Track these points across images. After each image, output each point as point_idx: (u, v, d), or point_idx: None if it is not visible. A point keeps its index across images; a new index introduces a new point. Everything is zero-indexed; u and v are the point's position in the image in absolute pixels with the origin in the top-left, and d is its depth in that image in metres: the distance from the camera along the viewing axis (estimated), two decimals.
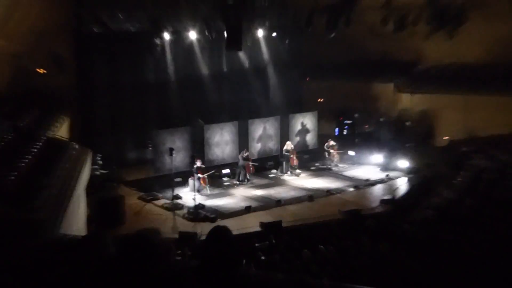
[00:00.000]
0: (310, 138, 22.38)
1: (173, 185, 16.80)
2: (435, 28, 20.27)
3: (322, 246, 10.93)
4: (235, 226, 14.02)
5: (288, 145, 20.29)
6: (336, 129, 24.25)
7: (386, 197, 16.88)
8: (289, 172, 20.06)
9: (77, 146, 16.26)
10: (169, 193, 16.94)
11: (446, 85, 23.91)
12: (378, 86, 25.38)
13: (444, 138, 23.09)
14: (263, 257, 10.63)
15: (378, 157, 21.11)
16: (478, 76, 23.65)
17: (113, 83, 20.41)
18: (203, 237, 12.35)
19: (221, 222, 14.62)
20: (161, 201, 16.97)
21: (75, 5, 18.25)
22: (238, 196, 17.59)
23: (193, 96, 22.03)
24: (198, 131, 19.53)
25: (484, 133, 21.85)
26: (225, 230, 2.97)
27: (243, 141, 20.33)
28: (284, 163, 20.16)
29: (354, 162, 21.47)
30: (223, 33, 19.88)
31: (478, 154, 19.55)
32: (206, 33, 19.90)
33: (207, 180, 17.77)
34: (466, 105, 22.77)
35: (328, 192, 17.68)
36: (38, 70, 18.56)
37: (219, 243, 2.88)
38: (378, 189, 18.20)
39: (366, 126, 23.34)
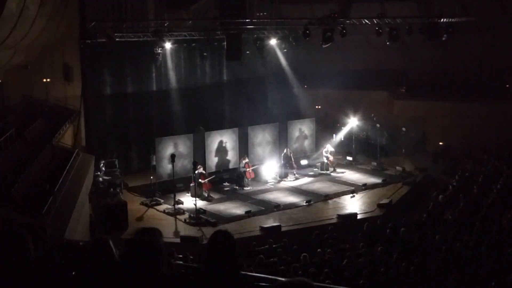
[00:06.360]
0: (308, 144, 22.77)
1: (175, 191, 17.22)
2: (427, 38, 20.77)
3: (319, 250, 11.29)
4: (236, 230, 14.42)
5: (287, 151, 20.70)
6: (334, 135, 24.70)
7: (382, 201, 17.28)
8: (288, 177, 20.48)
9: (80, 153, 16.66)
10: (171, 199, 17.33)
11: (438, 93, 24.48)
12: (374, 94, 25.90)
13: (440, 143, 23.60)
14: (263, 260, 10.98)
15: (374, 163, 21.55)
16: (469, 84, 24.25)
17: (117, 91, 20.87)
18: (205, 241, 12.69)
19: (221, 227, 15.01)
20: (163, 206, 17.35)
21: (80, 16, 18.70)
22: (238, 201, 17.98)
23: (194, 103, 22.47)
24: (199, 138, 19.94)
25: (476, 139, 22.38)
26: (227, 234, 3.01)
27: (243, 147, 20.73)
28: (283, 168, 20.58)
29: (351, 167, 21.89)
30: (223, 43, 20.39)
31: (470, 159, 20.04)
32: (207, 43, 20.37)
33: (207, 185, 18.16)
34: (458, 111, 23.32)
35: (326, 197, 18.10)
36: (44, 79, 18.98)
37: (221, 247, 2.92)
38: (374, 194, 18.61)
39: (363, 133, 23.78)
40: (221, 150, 20.21)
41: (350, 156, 22.38)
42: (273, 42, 23.19)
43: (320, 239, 12.74)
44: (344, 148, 22.99)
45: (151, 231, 2.96)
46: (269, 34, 22.80)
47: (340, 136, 23.60)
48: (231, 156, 20.41)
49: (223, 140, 20.22)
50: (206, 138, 19.87)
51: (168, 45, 20.09)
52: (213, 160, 20.01)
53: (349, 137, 22.85)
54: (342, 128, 23.72)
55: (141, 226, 3.25)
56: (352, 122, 22.66)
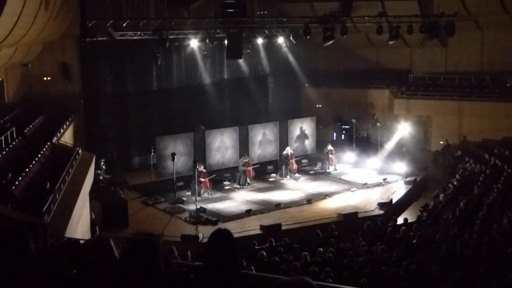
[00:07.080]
0: (308, 143, 22.74)
1: (175, 189, 17.21)
2: (428, 37, 20.73)
3: (320, 248, 11.29)
4: (236, 229, 14.43)
5: (287, 150, 20.69)
6: (334, 134, 24.65)
7: (383, 200, 17.27)
8: (288, 176, 20.46)
9: (81, 152, 16.62)
10: (171, 197, 17.32)
11: (439, 92, 24.47)
12: (374, 93, 25.89)
13: (440, 142, 23.60)
14: (263, 259, 10.98)
15: (375, 161, 21.51)
16: (469, 83, 24.26)
17: (117, 90, 20.86)
18: (205, 240, 12.71)
19: (222, 225, 15.01)
20: (164, 205, 17.35)
21: (80, 14, 18.66)
22: (238, 199, 17.98)
23: (194, 102, 22.46)
24: (199, 137, 19.93)
25: (477, 138, 22.39)
26: (226, 232, 3.00)
27: (243, 146, 20.72)
28: (283, 167, 20.57)
29: (352, 166, 21.85)
30: (224, 42, 20.37)
31: (471, 158, 20.04)
32: (208, 42, 20.35)
33: (208, 184, 18.16)
34: (459, 110, 23.33)
35: (327, 196, 18.09)
36: (44, 78, 18.96)
37: (221, 245, 2.90)
38: (375, 193, 18.59)
39: (363, 131, 23.76)
40: (222, 149, 20.19)
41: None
42: (273, 40, 23.16)
43: (321, 238, 12.74)
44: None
45: (150, 235, 2.93)
46: (269, 32, 22.77)
47: (341, 135, 23.49)
48: (231, 154, 20.39)
49: (224, 138, 20.21)
50: (206, 136, 19.86)
51: (168, 44, 20.05)
52: (213, 159, 20.00)
53: (350, 136, 22.40)
54: (343, 127, 23.61)
55: (140, 230, 3.20)
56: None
